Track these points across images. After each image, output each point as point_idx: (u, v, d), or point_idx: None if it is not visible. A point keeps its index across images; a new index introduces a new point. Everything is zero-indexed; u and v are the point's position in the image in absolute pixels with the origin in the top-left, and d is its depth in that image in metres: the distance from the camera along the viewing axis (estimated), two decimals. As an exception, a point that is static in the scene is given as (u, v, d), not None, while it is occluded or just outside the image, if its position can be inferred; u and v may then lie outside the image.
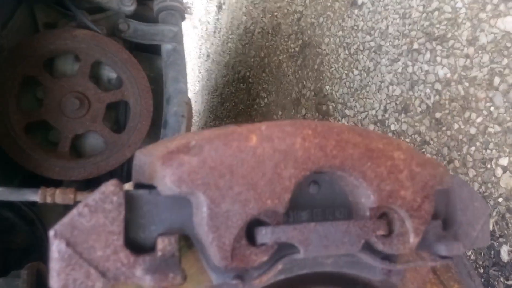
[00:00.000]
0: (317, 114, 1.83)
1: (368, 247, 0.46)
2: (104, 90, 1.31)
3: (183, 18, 1.42)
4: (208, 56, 2.97)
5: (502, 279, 1.08)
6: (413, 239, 0.46)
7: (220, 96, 2.69)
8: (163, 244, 0.38)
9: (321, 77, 1.79)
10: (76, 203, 1.00)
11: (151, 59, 1.54)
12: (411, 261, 0.50)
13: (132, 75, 1.32)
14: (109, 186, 0.36)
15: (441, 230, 0.51)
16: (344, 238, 0.43)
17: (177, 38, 1.37)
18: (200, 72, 3.07)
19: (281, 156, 0.41)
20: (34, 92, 1.28)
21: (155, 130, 1.37)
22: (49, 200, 0.95)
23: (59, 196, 0.95)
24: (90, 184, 1.30)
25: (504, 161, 1.13)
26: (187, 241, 0.42)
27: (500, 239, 1.11)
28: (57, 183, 1.23)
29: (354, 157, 0.45)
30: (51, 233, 0.35)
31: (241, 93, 2.43)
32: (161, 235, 0.38)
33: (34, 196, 0.97)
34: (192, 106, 3.24)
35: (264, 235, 0.40)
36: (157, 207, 0.39)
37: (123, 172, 1.41)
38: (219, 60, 2.78)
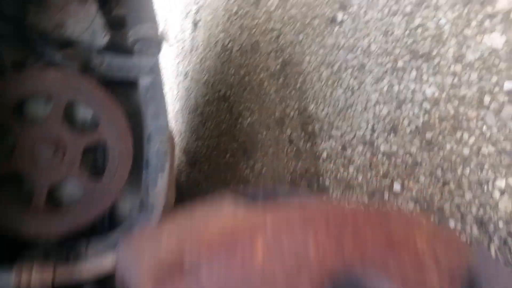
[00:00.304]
0: (303, 134, 1.78)
1: None
2: (80, 132, 1.23)
3: (160, 49, 1.34)
4: (186, 74, 2.90)
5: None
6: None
7: (201, 115, 2.62)
8: None
9: (304, 96, 1.74)
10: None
11: (128, 93, 1.47)
12: None
13: (109, 115, 1.24)
14: None
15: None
16: None
17: (155, 70, 1.30)
18: (178, 91, 3.00)
19: (293, 265, 0.35)
20: (3, 140, 1.20)
21: (137, 170, 1.29)
22: (24, 284, 0.89)
23: (35, 277, 0.89)
24: (70, 237, 1.22)
25: (501, 183, 1.09)
26: None
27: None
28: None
29: (374, 254, 0.39)
30: None
31: (223, 112, 2.37)
32: None
33: (7, 277, 0.90)
34: (173, 125, 3.17)
35: None
36: None
37: (104, 222, 1.33)
38: (197, 79, 2.72)
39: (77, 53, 1.30)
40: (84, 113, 1.28)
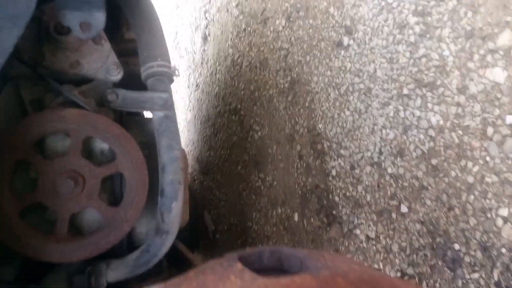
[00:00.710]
0: (312, 151, 1.83)
1: None
2: (98, 164, 1.29)
3: (171, 81, 1.40)
4: (197, 86, 2.95)
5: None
6: None
7: (213, 127, 2.68)
8: None
9: (313, 115, 1.79)
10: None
11: (142, 123, 1.53)
12: None
13: (125, 148, 1.30)
14: None
15: None
16: None
17: (168, 104, 1.35)
18: (190, 102, 3.06)
19: None
20: (27, 173, 1.27)
21: (153, 196, 1.36)
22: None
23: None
24: (91, 260, 1.30)
25: (504, 212, 1.13)
26: None
27: (508, 292, 1.12)
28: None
29: None
30: None
31: (234, 125, 2.42)
32: None
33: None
34: (186, 135, 3.23)
35: None
36: None
37: (123, 245, 1.40)
38: (209, 91, 2.77)
39: (92, 90, 1.36)
40: (101, 146, 1.35)
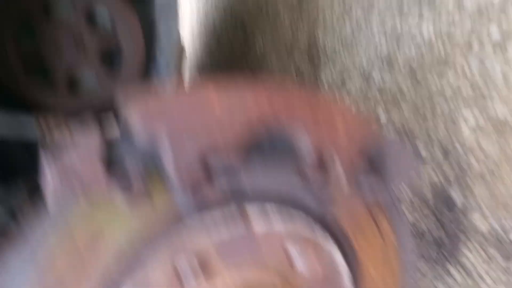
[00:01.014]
0: (309, 65, 1.91)
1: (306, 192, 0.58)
2: (99, 33, 1.40)
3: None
4: (207, -1, 2.97)
5: (453, 221, 1.23)
6: (345, 185, 0.58)
7: (218, 41, 2.74)
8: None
9: (315, 30, 1.85)
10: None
11: (144, 5, 1.61)
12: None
13: (126, 24, 1.41)
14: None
15: (371, 177, 0.62)
16: (286, 180, 0.55)
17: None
18: (199, 14, 3.08)
19: (237, 113, 0.51)
20: (32, 35, 1.37)
21: (149, 75, 1.48)
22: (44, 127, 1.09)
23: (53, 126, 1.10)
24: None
25: (470, 121, 1.24)
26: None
27: (454, 185, 1.25)
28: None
29: (299, 114, 0.56)
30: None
31: (239, 40, 2.48)
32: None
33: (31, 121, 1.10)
34: (190, 47, 3.27)
35: (219, 179, 0.51)
36: (132, 150, 0.50)
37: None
38: (217, 4, 2.80)
39: None
40: (103, 17, 1.45)
